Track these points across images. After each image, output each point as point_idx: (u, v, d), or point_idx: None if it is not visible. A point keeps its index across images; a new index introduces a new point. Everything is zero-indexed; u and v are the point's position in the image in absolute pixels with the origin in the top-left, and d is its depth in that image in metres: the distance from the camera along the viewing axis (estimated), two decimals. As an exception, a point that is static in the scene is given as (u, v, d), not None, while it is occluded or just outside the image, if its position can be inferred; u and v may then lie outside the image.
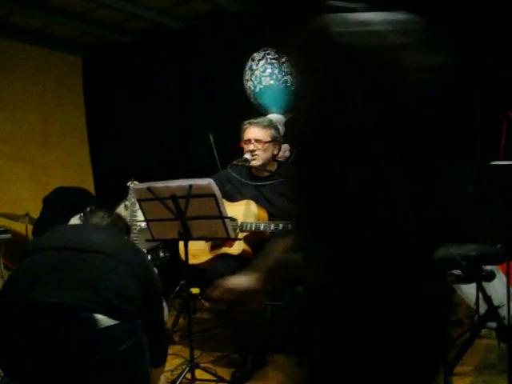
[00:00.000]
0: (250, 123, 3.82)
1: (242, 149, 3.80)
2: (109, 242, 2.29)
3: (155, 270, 4.31)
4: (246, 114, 4.01)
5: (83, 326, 1.97)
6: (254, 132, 3.77)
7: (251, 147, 3.73)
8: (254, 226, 3.56)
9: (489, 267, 3.55)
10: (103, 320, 1.98)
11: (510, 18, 4.34)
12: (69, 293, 2.01)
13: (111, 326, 1.99)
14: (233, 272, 3.54)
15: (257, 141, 3.73)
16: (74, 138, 6.66)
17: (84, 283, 2.04)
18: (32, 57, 6.18)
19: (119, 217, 2.86)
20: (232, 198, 3.78)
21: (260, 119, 3.87)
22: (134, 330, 2.10)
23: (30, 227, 5.46)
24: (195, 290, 4.85)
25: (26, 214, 5.37)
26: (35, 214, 5.51)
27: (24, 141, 6.10)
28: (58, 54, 6.50)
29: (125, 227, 2.76)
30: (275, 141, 3.81)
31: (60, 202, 5.57)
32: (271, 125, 3.85)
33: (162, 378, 2.90)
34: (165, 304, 4.23)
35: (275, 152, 3.84)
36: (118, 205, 4.77)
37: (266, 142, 3.74)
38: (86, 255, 2.14)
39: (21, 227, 5.51)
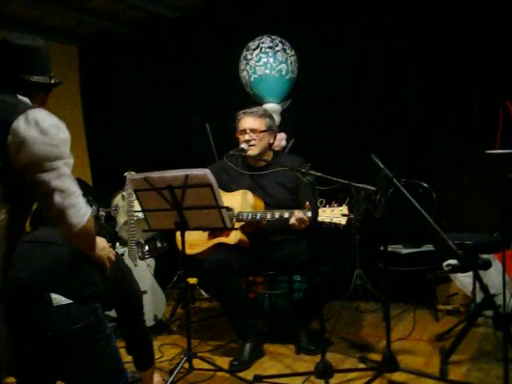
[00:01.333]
0: (244, 113, 3.81)
1: (238, 139, 3.80)
2: None
3: (153, 260, 4.35)
4: (241, 104, 4.00)
5: (38, 303, 2.16)
6: (249, 122, 3.76)
7: (247, 137, 3.72)
8: (250, 215, 3.56)
9: (485, 256, 3.56)
10: (57, 298, 2.17)
11: (505, 8, 4.33)
12: (29, 274, 2.21)
13: (65, 304, 2.18)
14: (230, 262, 3.60)
15: (252, 130, 3.73)
16: (71, 128, 6.50)
17: (45, 268, 2.25)
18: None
19: (103, 226, 3.08)
20: (228, 188, 3.78)
21: (254, 109, 3.86)
22: (91, 312, 2.25)
23: (28, 218, 5.45)
24: (193, 280, 4.87)
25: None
26: (33, 206, 5.50)
27: (20, 132, 6.07)
28: (54, 44, 6.47)
29: (109, 235, 2.96)
30: (270, 130, 3.81)
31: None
32: (266, 114, 3.85)
33: (156, 376, 2.93)
34: (163, 295, 4.26)
35: (271, 141, 3.84)
36: (115, 195, 4.78)
37: (261, 132, 3.74)
38: (53, 247, 2.35)
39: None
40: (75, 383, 2.33)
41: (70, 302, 2.19)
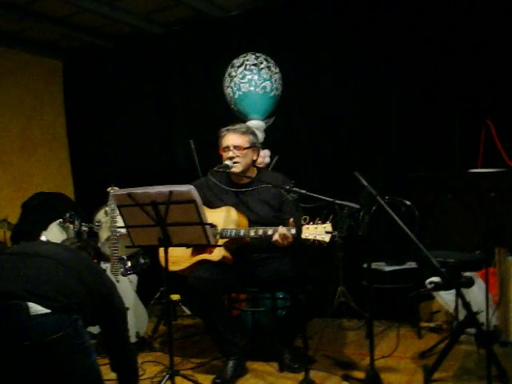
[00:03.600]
0: (227, 130, 3.81)
1: (222, 155, 3.80)
2: (61, 253, 2.50)
3: (135, 277, 4.31)
4: (226, 120, 4.01)
5: (15, 312, 2.14)
6: (232, 139, 3.76)
7: (230, 154, 3.72)
8: (234, 232, 3.56)
9: (468, 274, 3.58)
10: (34, 307, 2.15)
11: (487, 27, 4.40)
12: (8, 283, 2.21)
13: (43, 314, 2.16)
14: (213, 279, 3.57)
15: (236, 147, 3.73)
16: (54, 142, 6.61)
17: (24, 278, 2.25)
18: (12, 61, 6.14)
19: (88, 242, 3.14)
20: (212, 205, 3.77)
21: (237, 125, 3.86)
22: (69, 323, 2.23)
23: (9, 233, 5.40)
24: (175, 297, 4.84)
25: (4, 220, 5.31)
26: (14, 220, 5.45)
27: (3, 145, 6.05)
28: (39, 58, 6.46)
29: (93, 251, 3.01)
30: (254, 146, 3.81)
31: (39, 207, 5.53)
32: (249, 131, 3.85)
33: None
34: (145, 312, 4.22)
35: (254, 157, 3.84)
36: (97, 210, 4.76)
37: (244, 148, 3.74)
38: (33, 259, 2.37)
39: (-1, 233, 5.45)
40: None
41: (47, 311, 2.17)
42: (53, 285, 2.25)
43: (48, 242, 2.79)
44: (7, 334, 2.14)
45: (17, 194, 5.92)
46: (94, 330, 2.68)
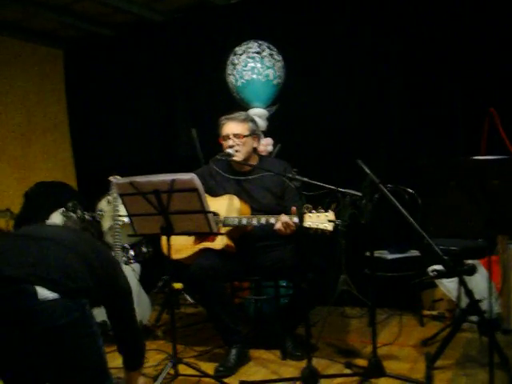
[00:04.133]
0: (226, 118, 3.80)
1: (222, 145, 3.79)
2: (65, 235, 2.47)
3: (138, 265, 4.32)
4: (228, 109, 3.99)
5: (24, 297, 2.11)
6: (231, 127, 3.75)
7: (230, 142, 3.71)
8: (236, 220, 3.55)
9: (470, 261, 3.58)
10: (42, 292, 2.12)
11: (490, 16, 4.37)
12: (14, 268, 2.17)
13: (51, 299, 2.13)
14: (216, 267, 3.58)
15: (235, 135, 3.72)
16: (56, 132, 6.60)
17: (31, 262, 2.21)
18: (13, 50, 6.12)
19: (91, 223, 3.19)
20: (215, 193, 3.77)
21: (236, 114, 3.85)
22: (78, 308, 2.21)
23: (12, 223, 5.40)
24: (178, 285, 4.84)
25: (7, 210, 5.31)
26: (17, 210, 5.45)
27: (5, 135, 6.04)
28: (40, 48, 6.44)
29: (97, 232, 2.97)
30: (254, 134, 3.80)
31: (41, 197, 5.52)
32: (248, 118, 3.84)
33: (141, 378, 2.86)
34: (148, 300, 4.23)
35: (255, 145, 3.83)
36: (100, 199, 4.75)
37: (244, 136, 3.73)
38: (38, 242, 2.33)
39: (1, 222, 5.45)
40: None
41: (56, 296, 2.14)
42: (60, 269, 2.22)
43: (51, 225, 2.76)
44: (15, 319, 2.11)
45: (19, 183, 5.91)
46: (99, 315, 2.65)
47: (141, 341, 2.78)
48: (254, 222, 3.50)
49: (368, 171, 3.05)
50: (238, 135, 3.72)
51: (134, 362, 2.75)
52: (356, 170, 3.11)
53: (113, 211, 4.11)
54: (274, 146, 4.80)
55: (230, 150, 3.68)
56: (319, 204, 3.20)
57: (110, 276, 2.52)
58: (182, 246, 3.71)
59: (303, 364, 3.08)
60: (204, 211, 3.08)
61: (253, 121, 3.88)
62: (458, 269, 2.96)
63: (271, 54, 4.71)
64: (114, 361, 2.81)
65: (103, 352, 2.34)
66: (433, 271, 3.89)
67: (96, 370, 2.31)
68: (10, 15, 5.61)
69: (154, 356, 3.77)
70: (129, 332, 2.67)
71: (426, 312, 4.51)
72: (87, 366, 2.26)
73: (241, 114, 3.87)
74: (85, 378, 2.26)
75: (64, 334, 2.15)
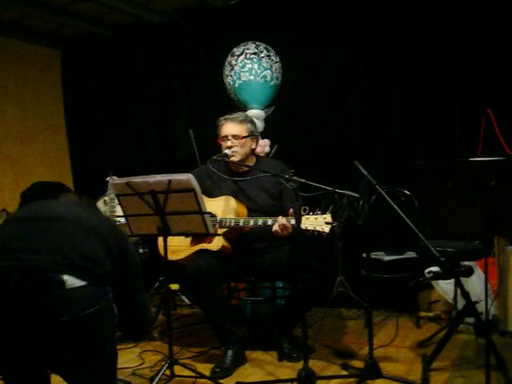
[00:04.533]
0: (225, 119, 3.80)
1: (221, 145, 3.78)
2: (75, 212, 2.33)
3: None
4: (225, 110, 3.99)
5: (51, 286, 1.99)
6: (230, 128, 3.75)
7: (229, 143, 3.71)
8: (233, 221, 3.55)
9: (467, 263, 3.58)
10: (70, 280, 2.00)
11: (487, 19, 4.38)
12: (37, 255, 2.04)
13: (79, 286, 2.01)
14: (212, 268, 3.57)
15: (234, 136, 3.71)
16: (53, 132, 6.59)
17: (48, 247, 2.08)
18: (10, 50, 6.11)
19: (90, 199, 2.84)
20: (211, 194, 3.77)
21: (235, 114, 3.84)
22: (104, 296, 2.11)
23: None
24: (174, 286, 4.81)
25: (4, 210, 5.29)
26: (13, 210, 5.44)
27: (2, 135, 6.03)
28: (37, 48, 6.43)
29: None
30: (252, 135, 3.80)
31: (37, 197, 5.51)
32: (247, 119, 3.84)
33: None
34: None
35: (253, 146, 3.83)
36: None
37: (243, 137, 3.73)
38: (49, 223, 2.20)
39: (-3, 223, 5.44)
40: (71, 377, 2.17)
41: (83, 283, 2.02)
42: (83, 254, 2.10)
43: (60, 202, 2.56)
44: (43, 309, 1.97)
45: (15, 183, 5.90)
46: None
47: (146, 314, 2.60)
48: (251, 223, 3.50)
49: (365, 172, 3.05)
50: (237, 136, 3.72)
51: (136, 332, 2.64)
52: (353, 171, 3.11)
53: (109, 212, 4.11)
54: (271, 147, 4.81)
55: (227, 151, 3.68)
56: (316, 205, 3.20)
57: (121, 248, 2.35)
58: (178, 247, 3.70)
59: (300, 365, 3.07)
60: (201, 212, 3.08)
61: (252, 122, 3.87)
62: (455, 270, 2.96)
63: (269, 56, 4.71)
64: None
65: (117, 350, 2.26)
66: (429, 273, 3.90)
67: (110, 361, 2.23)
68: (8, 15, 5.61)
69: (150, 357, 3.76)
70: (134, 300, 2.50)
71: (423, 314, 4.50)
72: (107, 358, 2.18)
73: (240, 115, 3.86)
74: (98, 369, 2.16)
75: (90, 323, 2.03)
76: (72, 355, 2.07)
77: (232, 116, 3.80)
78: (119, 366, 2.69)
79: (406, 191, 4.12)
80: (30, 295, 1.97)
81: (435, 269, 3.73)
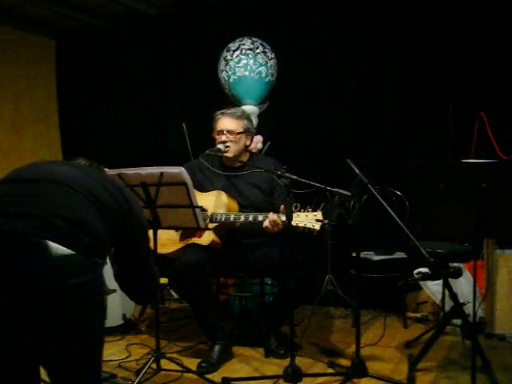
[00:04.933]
0: (222, 114, 3.78)
1: (215, 139, 3.77)
2: (70, 174, 2.17)
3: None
4: (219, 104, 3.97)
5: (34, 252, 1.84)
6: (226, 123, 3.74)
7: (223, 138, 3.69)
8: (224, 216, 3.54)
9: (456, 265, 3.60)
10: (55, 247, 1.85)
11: (481, 21, 4.39)
12: (18, 220, 1.89)
13: (65, 255, 1.86)
14: (201, 263, 3.56)
15: (229, 132, 3.70)
16: (46, 122, 6.56)
17: (34, 212, 1.93)
18: (4, 38, 6.06)
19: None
20: (203, 188, 3.75)
21: (232, 110, 3.83)
22: (92, 267, 1.95)
23: None
24: (163, 280, 4.82)
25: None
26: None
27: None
28: (32, 36, 6.39)
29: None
30: (248, 131, 3.79)
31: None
32: (244, 115, 3.83)
33: None
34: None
35: (247, 143, 3.82)
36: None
37: (238, 133, 3.71)
38: (38, 185, 2.05)
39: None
40: (55, 367, 1.97)
41: (71, 252, 1.86)
42: (71, 219, 1.94)
43: (56, 163, 2.37)
44: (25, 276, 1.81)
45: (6, 172, 5.87)
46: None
47: (152, 275, 2.49)
48: (242, 218, 3.49)
49: (357, 171, 3.04)
50: (232, 132, 3.70)
51: (141, 294, 2.56)
52: (346, 169, 3.10)
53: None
54: (264, 143, 4.80)
55: (220, 146, 3.67)
56: (308, 202, 3.20)
57: (124, 210, 2.20)
58: (168, 241, 3.69)
59: (286, 362, 3.07)
60: (192, 206, 3.07)
61: (248, 118, 3.86)
62: (444, 271, 2.97)
63: (264, 52, 4.71)
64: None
65: (104, 336, 2.08)
66: (418, 273, 3.91)
67: (95, 346, 2.04)
68: (4, 1, 5.56)
69: (137, 350, 3.75)
70: (140, 260, 2.42)
71: (410, 314, 4.52)
72: (88, 338, 1.98)
73: (237, 111, 3.85)
74: (80, 350, 1.96)
75: (75, 296, 1.88)
76: (53, 331, 1.89)
77: (229, 111, 3.79)
78: (105, 358, 2.68)
79: (397, 192, 4.13)
80: (11, 261, 1.83)
81: (424, 270, 3.74)
